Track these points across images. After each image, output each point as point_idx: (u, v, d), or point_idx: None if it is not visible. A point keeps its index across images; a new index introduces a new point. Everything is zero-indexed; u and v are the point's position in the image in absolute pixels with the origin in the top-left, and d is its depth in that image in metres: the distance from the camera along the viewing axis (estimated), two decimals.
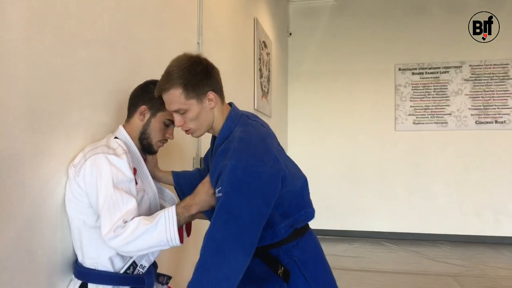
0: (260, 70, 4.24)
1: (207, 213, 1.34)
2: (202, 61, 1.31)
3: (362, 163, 6.03)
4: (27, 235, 1.20)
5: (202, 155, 2.42)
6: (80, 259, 1.33)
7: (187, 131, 1.35)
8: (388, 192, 5.92)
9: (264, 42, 4.41)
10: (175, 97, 1.27)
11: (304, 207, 1.38)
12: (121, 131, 1.43)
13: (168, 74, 1.28)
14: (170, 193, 1.60)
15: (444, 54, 5.78)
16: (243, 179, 1.18)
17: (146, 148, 1.48)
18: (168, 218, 1.23)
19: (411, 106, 5.93)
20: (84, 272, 1.31)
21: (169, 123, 1.48)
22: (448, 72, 5.80)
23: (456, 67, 5.78)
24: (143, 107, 1.45)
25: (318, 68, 6.20)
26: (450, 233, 5.66)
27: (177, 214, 1.24)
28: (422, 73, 5.90)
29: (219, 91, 1.34)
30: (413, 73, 5.93)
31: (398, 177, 5.90)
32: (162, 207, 1.53)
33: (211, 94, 1.30)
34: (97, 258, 1.30)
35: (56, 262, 1.31)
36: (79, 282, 1.30)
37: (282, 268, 1.30)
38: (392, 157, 5.94)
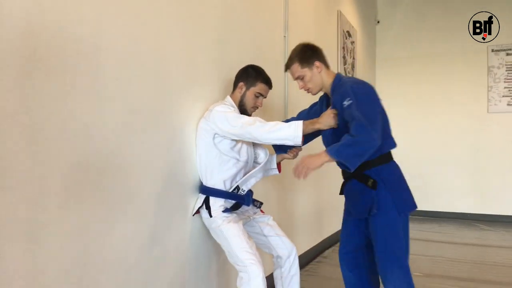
0: (344, 57, 4.69)
1: (310, 138, 2.11)
2: (308, 44, 2.06)
3: (454, 145, 6.09)
4: (175, 166, 1.93)
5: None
6: (204, 182, 2.03)
7: (307, 90, 2.04)
8: (481, 174, 5.90)
9: (348, 32, 4.85)
10: (294, 69, 2.02)
11: (389, 137, 1.96)
12: (228, 99, 2.11)
13: (290, 57, 2.05)
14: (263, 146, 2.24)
15: None
16: (361, 90, 1.86)
17: (243, 112, 2.11)
18: (297, 124, 1.85)
19: (505, 88, 5.83)
20: (207, 189, 2.01)
21: (259, 95, 2.10)
22: None
23: None
24: (241, 83, 2.10)
25: (407, 53, 6.38)
26: None
27: (303, 124, 1.85)
28: None
29: (323, 61, 2.03)
30: (507, 54, 5.82)
31: (491, 160, 5.85)
32: (256, 154, 2.18)
33: (317, 63, 2.00)
34: (215, 181, 1.99)
35: (190, 183, 2.03)
36: (203, 196, 2.01)
37: (371, 180, 1.89)
38: (484, 140, 5.91)
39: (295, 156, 2.23)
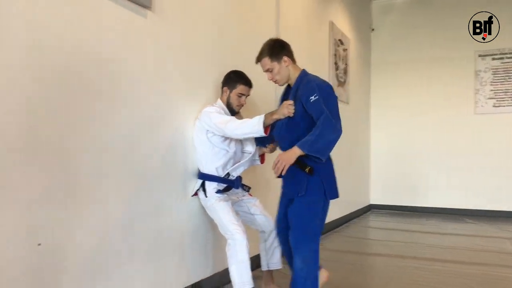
0: (336, 63, 5.15)
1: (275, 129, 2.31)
2: (279, 40, 2.31)
3: (443, 145, 6.49)
4: (173, 154, 2.40)
5: None
6: (201, 169, 2.50)
7: (275, 82, 2.28)
8: (469, 172, 6.29)
9: (340, 40, 5.30)
10: (265, 62, 2.25)
11: None
12: (219, 101, 2.57)
13: (261, 51, 2.28)
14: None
15: None
16: (326, 89, 2.14)
17: (231, 111, 2.56)
18: (259, 119, 2.18)
19: (491, 90, 6.23)
20: (203, 175, 2.48)
21: (241, 95, 2.53)
22: None
23: None
24: (225, 88, 2.55)
25: (401, 58, 6.80)
26: None
27: (264, 117, 2.18)
28: (503, 58, 6.15)
29: (291, 56, 2.26)
30: (493, 59, 6.21)
31: (478, 158, 6.24)
32: (244, 144, 2.63)
33: (285, 57, 2.23)
34: (210, 168, 2.46)
35: (189, 170, 2.51)
36: (200, 181, 2.48)
37: (308, 167, 2.12)
38: (472, 140, 6.30)
39: (272, 151, 2.62)
